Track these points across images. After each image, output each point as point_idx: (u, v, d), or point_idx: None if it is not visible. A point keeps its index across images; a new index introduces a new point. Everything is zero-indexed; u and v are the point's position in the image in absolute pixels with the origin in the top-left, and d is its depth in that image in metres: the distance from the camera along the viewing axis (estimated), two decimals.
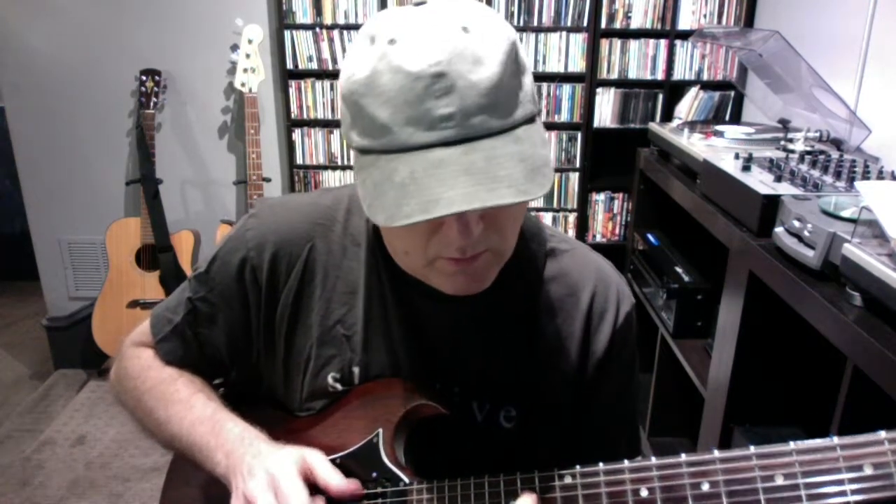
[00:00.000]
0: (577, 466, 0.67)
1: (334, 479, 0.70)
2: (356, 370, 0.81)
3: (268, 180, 2.77)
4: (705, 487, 0.61)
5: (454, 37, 0.59)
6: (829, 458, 0.57)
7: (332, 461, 0.78)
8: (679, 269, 2.08)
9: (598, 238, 3.01)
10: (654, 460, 0.64)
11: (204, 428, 0.78)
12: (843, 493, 0.56)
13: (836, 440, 0.58)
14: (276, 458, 0.70)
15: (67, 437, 2.61)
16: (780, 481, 0.58)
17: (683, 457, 0.63)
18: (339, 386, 0.81)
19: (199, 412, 0.80)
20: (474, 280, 0.70)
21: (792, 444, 0.59)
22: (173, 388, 0.84)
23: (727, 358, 1.53)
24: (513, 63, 0.62)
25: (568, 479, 0.68)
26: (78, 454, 2.51)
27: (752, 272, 1.43)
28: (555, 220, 2.96)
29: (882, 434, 0.56)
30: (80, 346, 3.02)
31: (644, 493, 0.63)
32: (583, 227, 2.97)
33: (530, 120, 0.63)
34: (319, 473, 0.70)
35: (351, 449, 0.78)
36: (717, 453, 0.62)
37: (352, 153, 0.68)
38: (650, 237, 2.40)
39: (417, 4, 0.64)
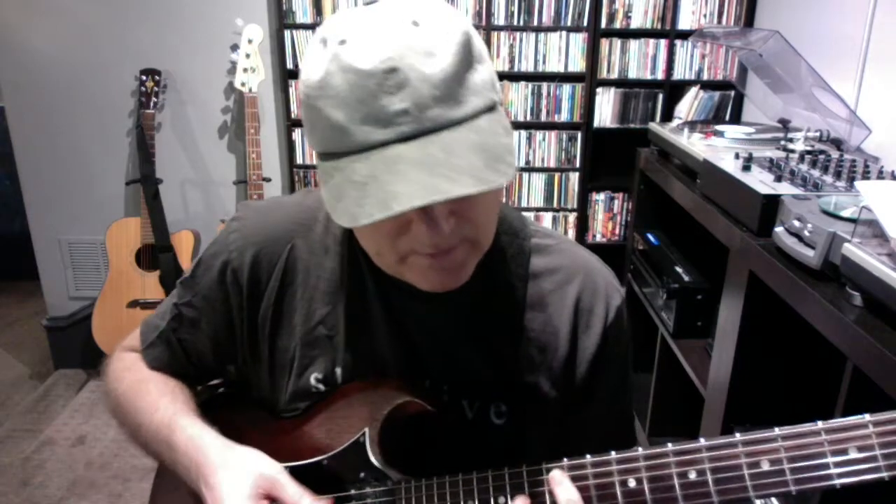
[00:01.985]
0: (565, 459, 0.67)
1: (305, 502, 0.71)
2: (338, 371, 0.80)
3: (268, 180, 2.77)
4: (692, 476, 0.61)
5: (404, 31, 0.59)
6: (814, 443, 0.58)
7: (319, 462, 0.78)
8: (679, 269, 2.08)
9: (598, 238, 3.01)
10: (640, 451, 0.64)
11: (161, 435, 0.79)
12: (829, 477, 0.57)
13: (820, 424, 0.58)
14: (229, 489, 0.71)
15: (67, 437, 2.61)
16: (766, 467, 0.59)
17: (670, 446, 0.63)
18: (322, 387, 0.81)
19: (159, 417, 0.80)
20: (450, 275, 0.69)
21: (777, 430, 0.59)
22: (145, 390, 0.85)
23: (727, 358, 1.53)
24: (467, 54, 0.61)
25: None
26: (78, 454, 2.51)
27: (752, 272, 1.43)
28: (555, 220, 2.96)
29: (867, 417, 0.57)
30: (80, 346, 3.02)
31: (632, 483, 0.64)
32: (583, 227, 2.97)
33: (490, 109, 0.63)
34: (286, 496, 0.71)
35: (337, 449, 0.78)
36: (703, 441, 0.62)
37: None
38: (650, 237, 2.40)
39: (367, 3, 0.63)
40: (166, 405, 0.82)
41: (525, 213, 0.86)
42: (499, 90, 0.66)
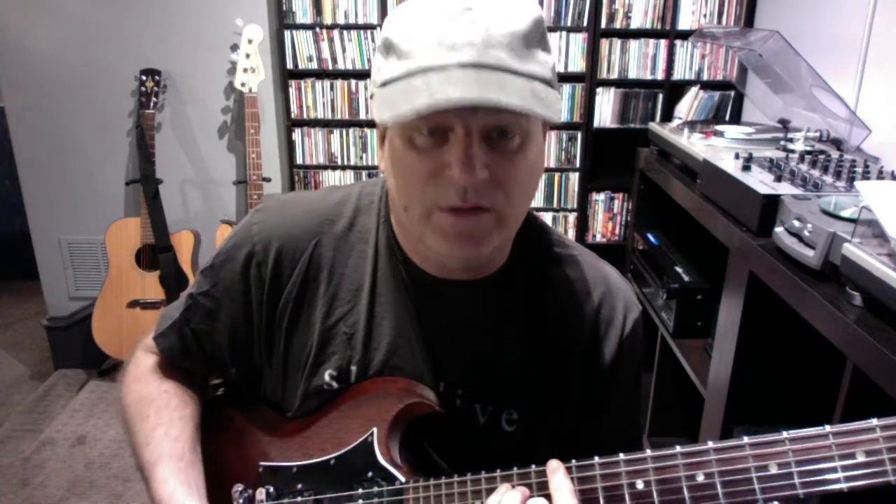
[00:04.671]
0: (573, 461, 0.67)
1: None
2: (354, 368, 0.81)
3: (268, 180, 2.77)
4: (700, 478, 0.61)
5: None
6: (822, 446, 0.58)
7: (327, 461, 0.78)
8: (679, 269, 2.08)
9: (598, 238, 3.01)
10: (649, 452, 0.64)
11: (144, 474, 0.80)
12: (836, 481, 0.57)
13: (828, 428, 0.58)
14: None
15: (67, 437, 2.61)
16: (774, 470, 0.59)
17: (678, 448, 0.63)
18: (335, 384, 0.81)
19: (148, 454, 0.81)
20: (472, 241, 0.69)
21: (785, 434, 0.59)
22: (144, 413, 0.85)
23: (727, 358, 1.53)
24: (537, 30, 0.66)
25: None
26: (78, 454, 2.51)
27: (752, 272, 1.43)
28: (555, 219, 2.96)
29: (874, 421, 0.57)
30: (80, 346, 3.02)
31: (640, 485, 0.64)
32: (583, 227, 2.97)
33: (548, 83, 0.66)
34: None
35: (345, 448, 0.78)
36: (711, 444, 0.62)
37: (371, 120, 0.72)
38: (650, 237, 2.40)
39: None
40: (158, 441, 0.81)
41: None
42: (557, 83, 0.70)
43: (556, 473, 0.66)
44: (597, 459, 0.66)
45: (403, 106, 0.60)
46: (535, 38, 0.66)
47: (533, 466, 0.69)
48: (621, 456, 0.65)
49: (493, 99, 0.59)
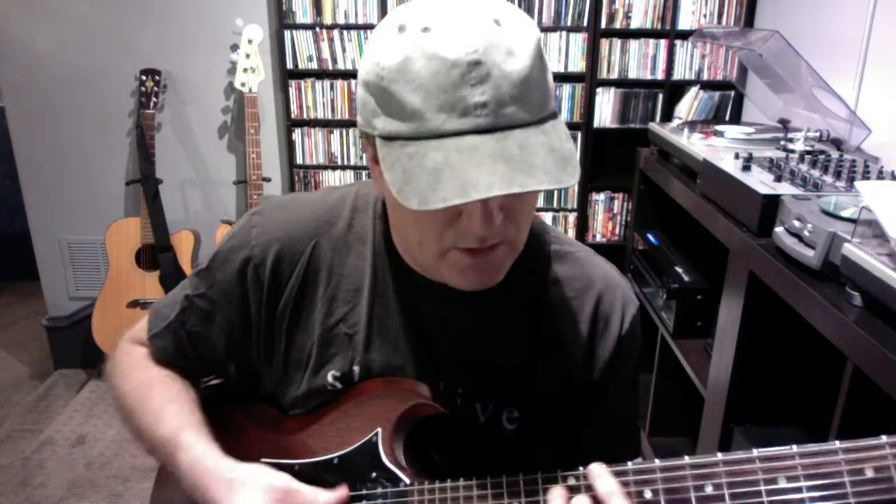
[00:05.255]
0: (581, 468, 0.67)
1: (322, 498, 0.73)
2: (356, 369, 0.81)
3: (268, 180, 2.77)
4: (709, 490, 0.61)
5: (488, 28, 0.60)
6: (831, 462, 0.58)
7: (330, 460, 0.78)
8: (679, 269, 2.08)
9: (598, 238, 3.01)
10: (657, 462, 0.64)
11: (165, 450, 0.79)
12: (844, 496, 0.57)
13: (837, 444, 0.58)
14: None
15: (67, 437, 2.61)
16: (782, 484, 0.59)
17: (687, 459, 0.63)
18: (338, 385, 0.81)
19: (163, 429, 0.79)
20: (487, 274, 0.70)
21: (794, 448, 0.59)
22: (149, 395, 0.84)
23: (727, 358, 1.53)
24: (540, 59, 0.63)
25: (571, 481, 0.68)
26: (78, 454, 2.51)
27: (752, 272, 1.43)
28: (555, 219, 2.96)
29: (883, 438, 0.57)
30: (80, 346, 3.02)
31: (648, 494, 0.63)
32: (583, 227, 2.97)
33: (554, 116, 0.64)
34: (302, 500, 0.73)
35: (349, 448, 0.78)
36: (720, 456, 0.62)
37: (373, 146, 0.67)
38: (650, 237, 2.40)
39: None
40: (171, 416, 0.80)
41: None
42: (554, 87, 0.68)
43: (602, 478, 0.65)
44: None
45: (433, 198, 0.57)
46: (539, 67, 0.63)
47: (540, 473, 0.69)
48: (630, 465, 0.65)
49: (523, 186, 0.57)
